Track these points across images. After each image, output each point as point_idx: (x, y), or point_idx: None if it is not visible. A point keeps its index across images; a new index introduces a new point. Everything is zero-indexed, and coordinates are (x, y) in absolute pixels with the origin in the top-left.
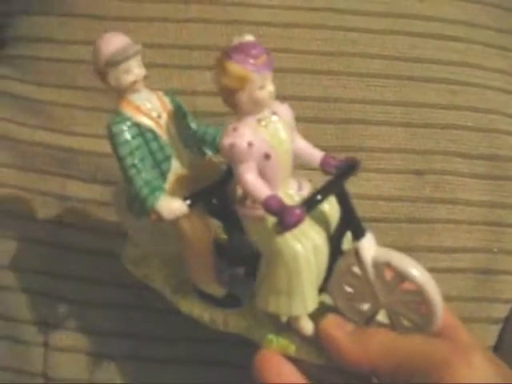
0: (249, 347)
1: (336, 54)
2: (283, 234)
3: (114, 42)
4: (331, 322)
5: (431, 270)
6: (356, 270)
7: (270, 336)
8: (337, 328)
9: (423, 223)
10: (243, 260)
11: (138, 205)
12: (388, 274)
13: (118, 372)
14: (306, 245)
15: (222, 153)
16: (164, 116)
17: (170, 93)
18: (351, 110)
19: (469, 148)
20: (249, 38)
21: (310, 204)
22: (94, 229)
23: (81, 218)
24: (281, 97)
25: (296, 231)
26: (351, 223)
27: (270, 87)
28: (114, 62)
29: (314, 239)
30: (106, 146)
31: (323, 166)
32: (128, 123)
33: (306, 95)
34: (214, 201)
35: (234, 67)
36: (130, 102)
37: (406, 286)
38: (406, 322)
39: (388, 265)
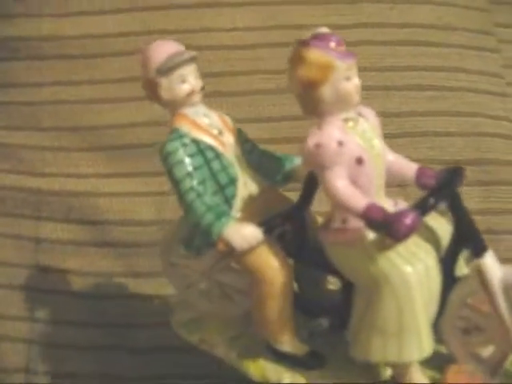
0: None
1: None
2: (395, 246)
3: (166, 48)
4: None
5: None
6: (476, 299)
7: None
8: None
9: None
10: (327, 309)
11: (199, 237)
12: None
13: None
14: (418, 266)
15: (305, 158)
16: (227, 134)
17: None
18: None
19: (452, 154)
20: (324, 29)
21: (424, 208)
22: (70, 270)
23: (56, 259)
24: (255, 119)
25: (403, 252)
26: (469, 237)
27: (357, 79)
28: (167, 69)
29: (424, 260)
30: (77, 185)
31: (420, 179)
32: (185, 140)
33: (281, 115)
34: (288, 229)
35: (316, 54)
36: (186, 116)
37: None
38: None
39: None
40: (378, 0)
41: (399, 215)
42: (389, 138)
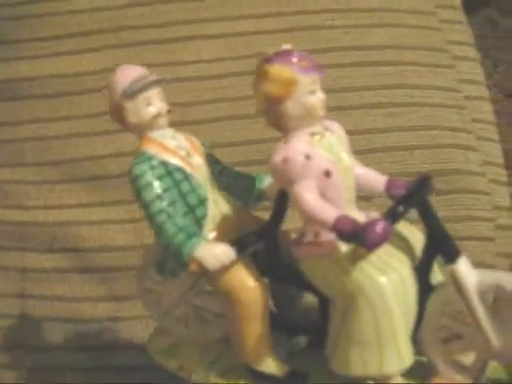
0: None
1: None
2: (368, 256)
3: (131, 72)
4: None
5: None
6: (453, 307)
7: None
8: None
9: None
10: (305, 326)
11: (171, 259)
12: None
13: None
14: (392, 276)
15: (274, 174)
16: (195, 155)
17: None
18: None
19: (414, 167)
20: (287, 46)
21: (394, 216)
22: (56, 297)
23: (41, 287)
24: (217, 144)
25: (377, 262)
26: (442, 244)
27: (321, 94)
28: (132, 93)
29: (399, 270)
30: (59, 216)
31: (390, 190)
32: (152, 162)
33: (241, 140)
34: (261, 248)
35: (278, 69)
36: (153, 139)
37: None
38: None
39: (498, 288)
40: (334, 26)
41: (369, 224)
42: (352, 154)
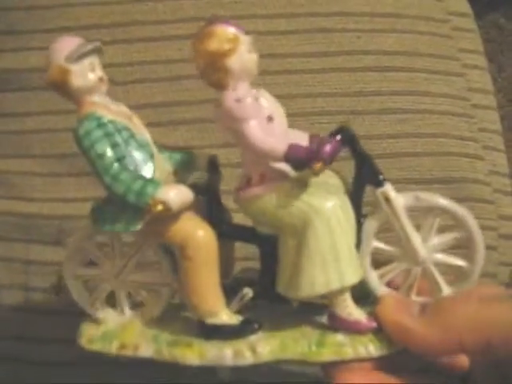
0: None
1: (279, 98)
2: (322, 171)
3: (72, 40)
4: (392, 307)
5: None
6: (386, 223)
7: (314, 346)
8: (402, 313)
9: None
10: (249, 280)
11: (127, 211)
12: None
13: None
14: (334, 201)
15: (225, 116)
16: (136, 120)
17: None
18: None
19: (421, 173)
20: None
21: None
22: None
23: (45, 280)
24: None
25: (316, 192)
26: (369, 171)
27: (255, 53)
28: (78, 56)
29: (337, 198)
30: (64, 209)
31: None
32: (101, 120)
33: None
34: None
35: (223, 29)
36: (97, 102)
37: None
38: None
39: (417, 199)
40: (346, 29)
41: (321, 143)
42: None
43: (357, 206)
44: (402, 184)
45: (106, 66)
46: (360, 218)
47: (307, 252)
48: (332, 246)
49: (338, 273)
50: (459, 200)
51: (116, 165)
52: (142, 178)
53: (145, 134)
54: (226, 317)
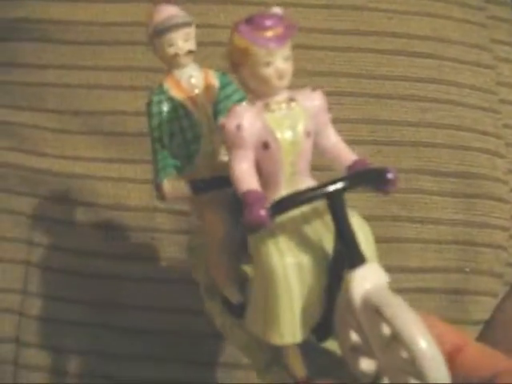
0: None
1: (301, 73)
2: (251, 235)
3: (164, 11)
4: None
5: (400, 291)
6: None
7: (262, 366)
8: None
9: (391, 242)
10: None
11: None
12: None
13: None
14: (287, 261)
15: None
16: (204, 95)
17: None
18: None
19: (438, 165)
20: (276, 10)
21: (276, 207)
22: (63, 248)
23: (51, 237)
24: None
25: (283, 246)
26: (345, 246)
27: (280, 65)
28: (158, 32)
29: (300, 257)
30: (75, 168)
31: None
32: (163, 96)
33: None
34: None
35: (237, 38)
36: (172, 76)
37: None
38: None
39: (376, 311)
40: (378, 9)
41: (250, 207)
42: (375, 144)
43: (336, 277)
44: (415, 174)
45: (129, 24)
46: (340, 272)
47: (251, 293)
48: (265, 302)
49: (262, 328)
50: (475, 196)
51: (157, 144)
52: (167, 160)
53: (204, 111)
54: (230, 293)
